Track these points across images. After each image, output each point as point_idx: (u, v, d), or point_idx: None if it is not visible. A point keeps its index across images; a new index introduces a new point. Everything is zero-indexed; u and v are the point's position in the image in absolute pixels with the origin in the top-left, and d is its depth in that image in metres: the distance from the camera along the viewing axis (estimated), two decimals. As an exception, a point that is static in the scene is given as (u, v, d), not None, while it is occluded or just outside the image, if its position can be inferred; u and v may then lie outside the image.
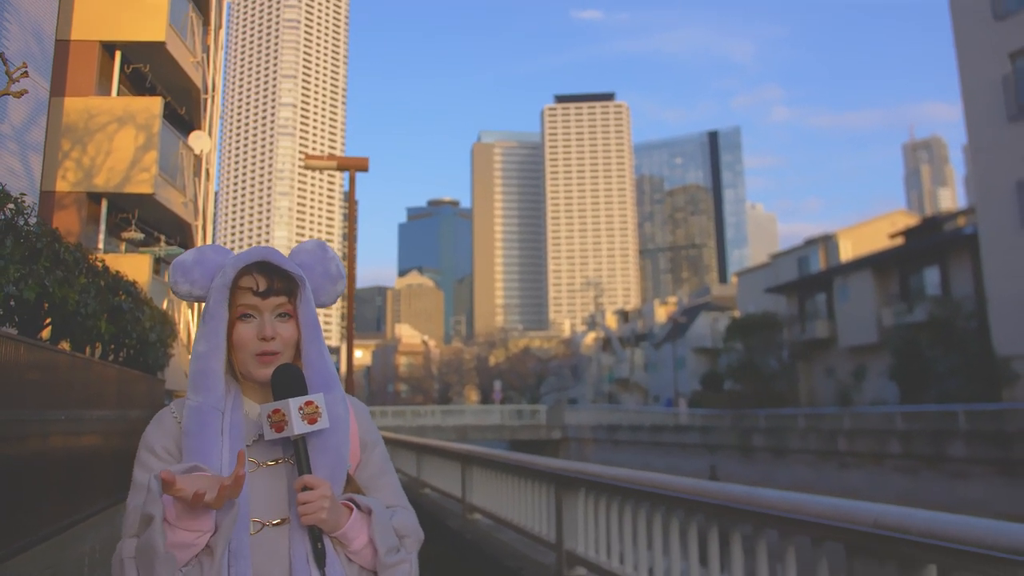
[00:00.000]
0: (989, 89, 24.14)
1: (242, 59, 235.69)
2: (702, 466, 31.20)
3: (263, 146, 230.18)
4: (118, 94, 16.59)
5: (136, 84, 17.56)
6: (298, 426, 1.34)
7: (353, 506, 1.41)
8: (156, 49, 16.58)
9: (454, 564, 6.10)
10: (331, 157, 12.18)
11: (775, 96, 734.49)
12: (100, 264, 8.93)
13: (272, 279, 1.44)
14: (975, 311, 25.62)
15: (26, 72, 6.41)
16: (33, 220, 6.61)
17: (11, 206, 6.07)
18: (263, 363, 1.42)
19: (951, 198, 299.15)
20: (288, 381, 1.38)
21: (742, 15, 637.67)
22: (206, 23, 21.38)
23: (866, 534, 2.05)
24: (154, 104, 15.98)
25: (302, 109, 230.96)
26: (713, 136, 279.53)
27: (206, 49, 21.05)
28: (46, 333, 7.81)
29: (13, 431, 6.24)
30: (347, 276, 1.35)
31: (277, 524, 1.37)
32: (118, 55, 16.53)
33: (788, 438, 27.43)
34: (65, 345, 8.10)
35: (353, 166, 12.17)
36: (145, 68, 17.02)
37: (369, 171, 13.11)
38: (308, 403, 1.35)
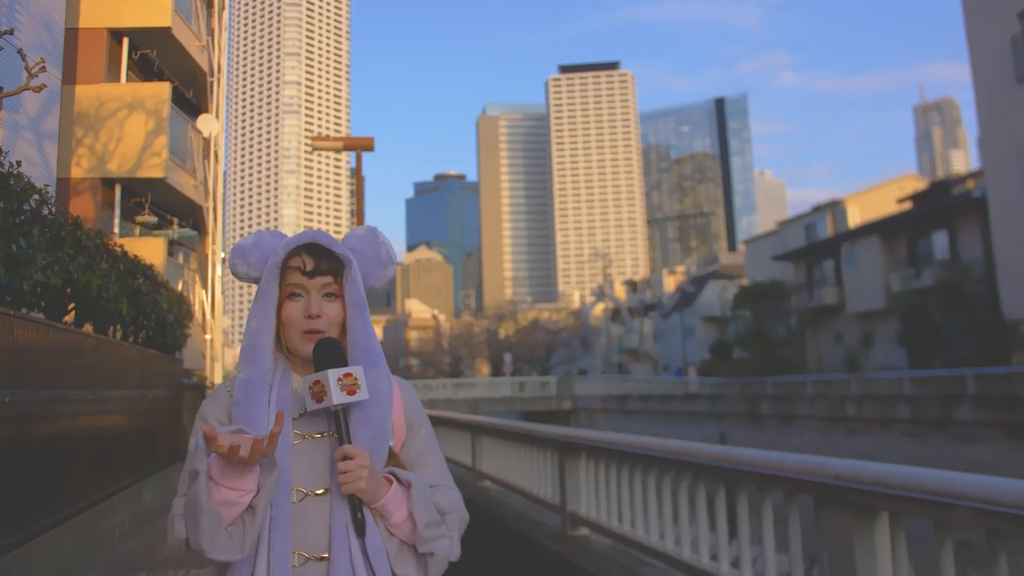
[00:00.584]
0: (997, 50, 23.93)
1: (245, 37, 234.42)
2: (712, 434, 31.55)
3: (269, 125, 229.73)
4: (127, 80, 16.79)
5: (144, 70, 17.75)
6: (336, 396, 1.39)
7: (393, 479, 1.45)
8: (163, 35, 16.74)
9: (467, 529, 6.43)
10: (337, 138, 12.38)
11: (782, 61, 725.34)
12: (119, 249, 9.22)
13: (319, 260, 1.50)
14: (984, 275, 25.65)
15: (43, 67, 6.66)
16: (54, 209, 6.87)
17: (36, 197, 6.34)
18: (309, 340, 1.48)
19: (964, 160, 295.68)
20: (328, 354, 1.44)
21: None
22: (210, 5, 21.48)
23: (829, 486, 2.31)
24: (163, 89, 16.19)
25: (306, 86, 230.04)
26: (720, 103, 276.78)
27: (211, 32, 21.17)
28: (69, 317, 8.12)
29: (46, 411, 6.57)
30: (396, 264, 1.53)
31: (320, 494, 1.42)
32: (126, 42, 16.70)
33: (796, 405, 27.69)
34: (88, 328, 8.42)
35: (359, 146, 12.38)
36: (152, 54, 17.20)
37: (375, 148, 13.28)
38: (347, 375, 1.40)
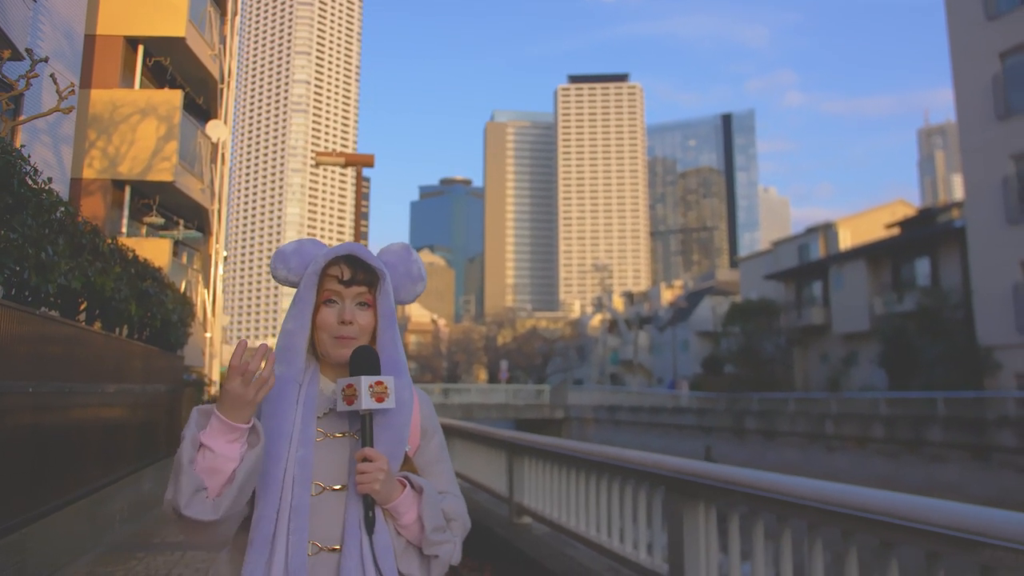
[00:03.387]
0: (980, 88, 24.76)
1: (256, 35, 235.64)
2: (698, 447, 32.18)
3: (276, 123, 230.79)
4: (140, 86, 17.53)
5: (157, 76, 18.49)
6: (366, 402, 1.47)
7: (407, 483, 1.52)
8: (176, 44, 17.47)
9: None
10: (339, 154, 13.13)
11: (789, 81, 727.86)
12: (131, 254, 9.96)
13: (356, 270, 1.59)
14: (961, 302, 26.40)
15: (73, 90, 7.40)
16: (79, 219, 7.61)
17: (62, 209, 7.10)
18: (340, 344, 1.56)
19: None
20: (364, 360, 1.52)
21: (756, 0, 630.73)
22: (223, 12, 22.22)
23: (672, 478, 3.07)
24: (175, 96, 16.91)
25: (315, 86, 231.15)
26: (727, 119, 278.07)
27: (223, 39, 21.92)
28: (81, 316, 8.83)
29: (60, 401, 7.29)
30: (426, 281, 1.76)
31: (337, 490, 1.50)
32: (140, 49, 17.43)
33: (778, 421, 28.36)
34: (97, 326, 9.14)
35: (360, 162, 13.14)
36: (166, 61, 17.94)
37: (376, 164, 14.01)
38: (379, 383, 1.49)
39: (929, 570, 1.94)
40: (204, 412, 1.44)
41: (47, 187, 6.45)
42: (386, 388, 1.49)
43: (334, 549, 1.46)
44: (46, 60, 6.88)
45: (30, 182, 6.03)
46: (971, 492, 20.23)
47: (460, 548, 1.57)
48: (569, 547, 4.49)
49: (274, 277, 1.65)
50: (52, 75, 7.35)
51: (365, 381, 1.47)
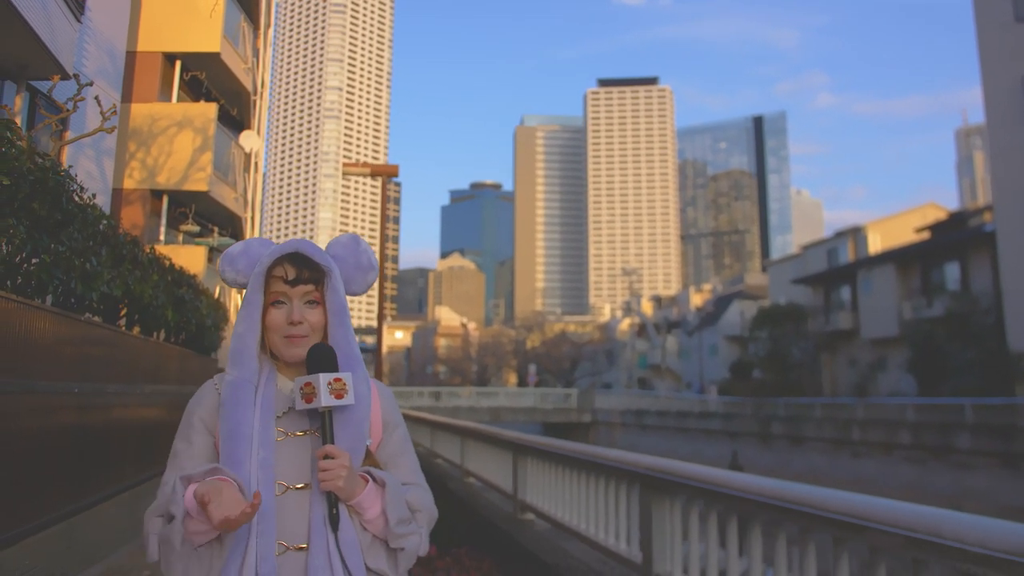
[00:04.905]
0: (1009, 90, 24.56)
1: (289, 43, 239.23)
2: (725, 452, 32.16)
3: (309, 129, 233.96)
4: (177, 100, 18.22)
5: (193, 89, 19.18)
6: (325, 399, 1.47)
7: (369, 478, 1.52)
8: (212, 59, 18.14)
9: (452, 515, 7.57)
10: (366, 164, 13.61)
11: (819, 82, 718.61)
12: (167, 262, 10.50)
13: (301, 269, 1.57)
14: (992, 307, 26.14)
15: (116, 110, 7.92)
16: (119, 231, 8.12)
17: (105, 222, 7.62)
18: (292, 344, 1.56)
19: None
20: (321, 358, 1.52)
21: (785, 2, 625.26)
22: (256, 26, 22.91)
23: (643, 475, 3.39)
24: (210, 109, 17.57)
25: (347, 92, 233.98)
26: (758, 121, 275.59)
27: (256, 52, 22.61)
28: (122, 322, 9.36)
29: (102, 401, 7.79)
30: (378, 271, 1.70)
31: (300, 488, 1.50)
32: (178, 64, 18.14)
33: (805, 427, 28.26)
34: (136, 330, 9.67)
35: (386, 172, 13.63)
36: (202, 75, 18.61)
37: (407, 168, 14.52)
38: (337, 379, 1.49)
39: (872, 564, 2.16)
40: (186, 480, 1.44)
41: (92, 202, 6.95)
42: (345, 385, 1.49)
43: (301, 548, 1.46)
44: (91, 84, 7.39)
45: (76, 198, 6.53)
46: (1002, 501, 20.08)
47: (427, 538, 1.58)
48: (565, 541, 4.83)
49: (223, 280, 1.63)
50: (96, 97, 7.87)
51: (324, 378, 1.48)
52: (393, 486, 1.53)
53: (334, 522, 1.46)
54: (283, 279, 1.57)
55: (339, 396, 1.48)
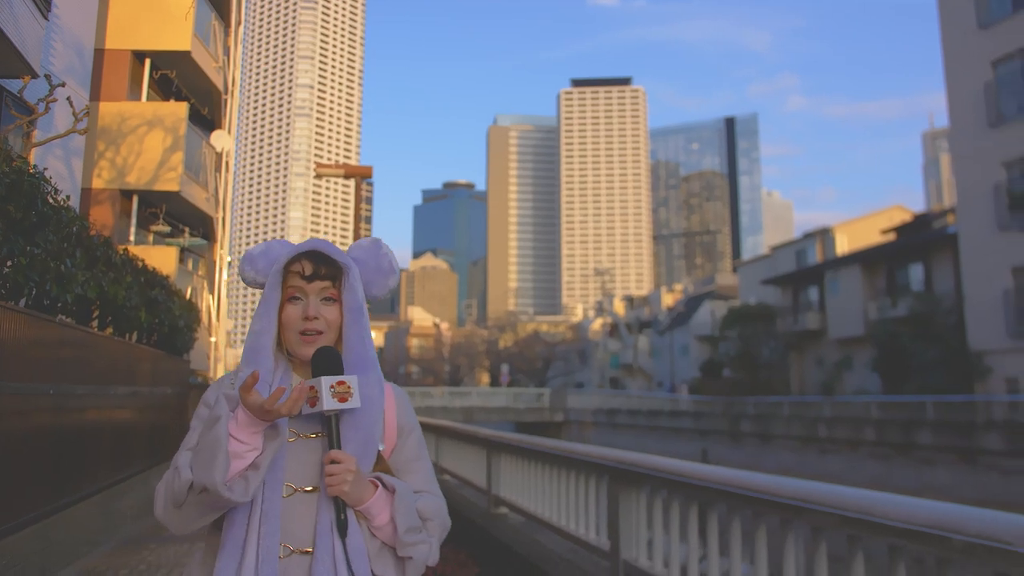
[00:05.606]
0: (973, 95, 25.20)
1: (259, 39, 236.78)
2: (694, 450, 32.60)
3: (280, 127, 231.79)
4: (147, 99, 18.06)
5: (163, 88, 19.02)
6: (328, 403, 1.43)
7: (379, 484, 1.49)
8: (182, 57, 17.99)
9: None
10: (340, 165, 13.65)
11: (792, 85, 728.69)
12: (140, 263, 10.49)
13: (318, 266, 1.56)
14: (954, 307, 26.80)
15: (88, 112, 7.93)
16: (93, 233, 8.13)
17: (77, 224, 7.63)
18: (306, 342, 1.54)
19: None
20: (325, 361, 1.49)
21: (759, 4, 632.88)
22: (227, 24, 22.73)
23: (613, 468, 3.57)
24: (180, 109, 17.44)
25: (319, 90, 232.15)
26: (730, 122, 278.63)
27: (227, 51, 22.45)
28: (94, 323, 9.34)
29: (76, 403, 7.80)
30: (399, 274, 1.74)
31: (308, 491, 1.47)
32: (147, 63, 17.97)
33: (774, 424, 28.80)
34: (109, 331, 9.65)
35: (359, 173, 13.68)
36: (172, 74, 18.46)
37: (379, 167, 14.54)
38: (340, 382, 1.45)
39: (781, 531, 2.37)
40: (231, 399, 1.46)
41: (66, 204, 6.97)
42: (349, 388, 1.45)
43: (306, 551, 1.43)
44: (63, 84, 7.40)
45: (51, 200, 6.55)
46: (962, 495, 20.60)
47: (437, 548, 1.53)
48: (539, 533, 5.00)
49: (243, 279, 1.62)
50: (69, 98, 7.86)
51: (326, 382, 1.44)
52: (403, 493, 1.49)
53: (342, 528, 1.44)
54: (300, 274, 1.56)
55: (343, 399, 1.45)
